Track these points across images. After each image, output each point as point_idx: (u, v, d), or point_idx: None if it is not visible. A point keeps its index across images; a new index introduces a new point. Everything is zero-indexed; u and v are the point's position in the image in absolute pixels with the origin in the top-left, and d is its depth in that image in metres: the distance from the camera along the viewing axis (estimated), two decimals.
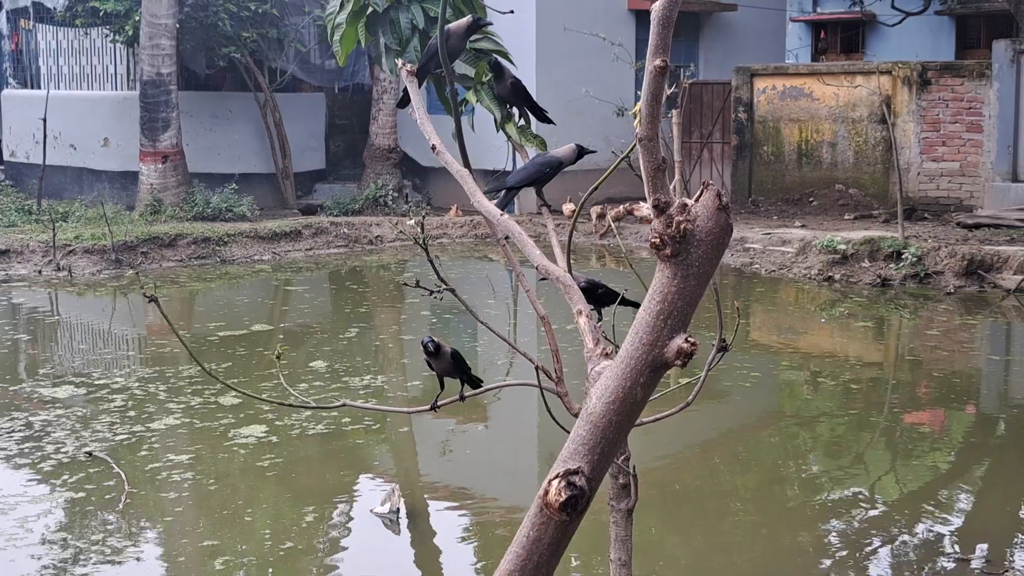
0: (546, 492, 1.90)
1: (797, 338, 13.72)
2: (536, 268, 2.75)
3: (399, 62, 3.62)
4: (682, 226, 1.85)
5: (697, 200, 1.92)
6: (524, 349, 3.57)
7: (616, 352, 2.09)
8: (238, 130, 22.87)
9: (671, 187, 2.06)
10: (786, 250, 17.59)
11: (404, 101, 4.18)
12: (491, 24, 4.58)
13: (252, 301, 15.90)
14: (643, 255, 18.79)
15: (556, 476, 1.89)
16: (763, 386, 11.46)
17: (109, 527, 7.50)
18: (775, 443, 9.79)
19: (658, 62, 1.92)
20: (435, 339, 3.70)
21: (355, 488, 8.46)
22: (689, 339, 1.93)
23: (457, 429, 9.93)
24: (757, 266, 17.57)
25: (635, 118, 2.05)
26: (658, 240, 1.90)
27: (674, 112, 7.57)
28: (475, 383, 3.84)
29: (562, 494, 1.86)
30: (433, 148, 3.26)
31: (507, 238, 3.51)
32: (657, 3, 1.91)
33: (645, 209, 20.18)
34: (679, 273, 1.90)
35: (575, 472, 1.87)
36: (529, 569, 1.90)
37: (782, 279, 16.91)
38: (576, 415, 3.10)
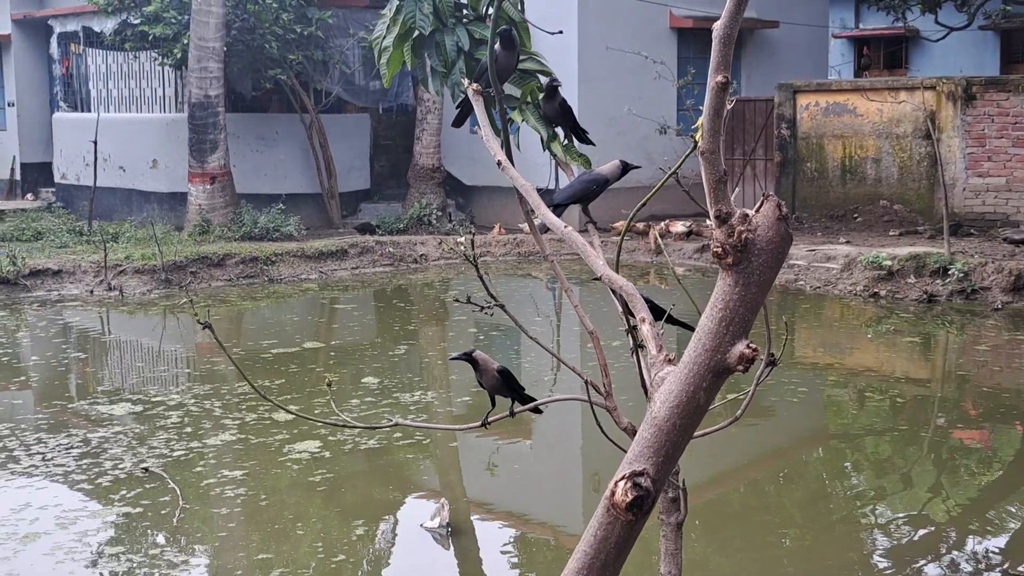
0: (613, 493, 1.97)
1: (843, 354, 13.68)
2: (600, 278, 2.82)
3: (465, 82, 3.71)
4: (743, 236, 1.92)
5: (758, 211, 1.98)
6: (571, 364, 3.63)
7: (679, 358, 2.16)
8: (284, 151, 23.13)
9: (731, 197, 2.13)
10: (831, 266, 17.54)
11: (460, 120, 4.26)
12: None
13: (302, 319, 16.06)
14: (684, 272, 18.78)
15: (622, 477, 1.96)
16: (809, 402, 11.44)
17: (164, 542, 7.62)
18: (821, 460, 9.77)
19: (719, 78, 1.99)
20: (474, 351, 3.72)
21: (404, 503, 8.54)
22: (751, 345, 1.99)
23: (504, 445, 9.99)
24: (802, 283, 17.53)
25: (697, 131, 2.12)
26: (720, 249, 1.97)
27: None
28: (526, 400, 3.84)
29: (628, 495, 1.93)
30: (499, 164, 3.35)
31: (554, 257, 3.57)
32: (718, 22, 1.98)
33: (680, 227, 20.22)
34: (740, 281, 1.96)
35: (640, 474, 1.94)
36: (597, 567, 1.97)
37: (827, 295, 16.86)
38: (626, 429, 3.16)
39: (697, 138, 2.09)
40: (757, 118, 22.58)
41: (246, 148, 22.77)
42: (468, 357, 3.62)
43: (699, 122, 2.07)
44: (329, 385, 3.59)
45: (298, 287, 18.39)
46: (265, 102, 23.58)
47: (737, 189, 22.43)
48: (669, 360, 2.32)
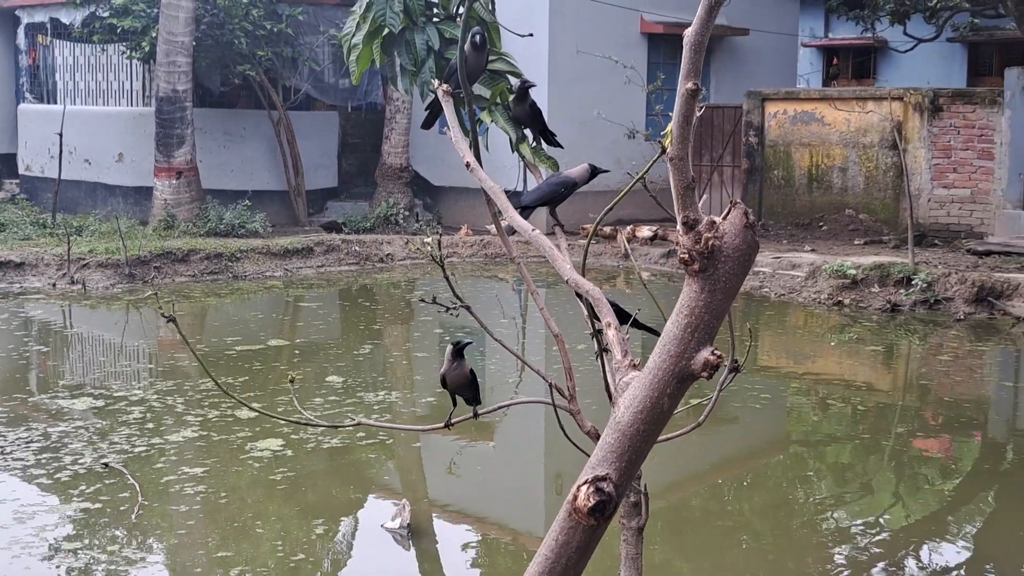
0: (575, 497, 1.97)
1: (806, 362, 13.77)
2: (567, 282, 2.82)
3: (435, 82, 3.70)
4: (710, 243, 1.93)
5: (725, 218, 1.99)
6: (536, 366, 3.62)
7: (643, 365, 2.16)
8: (251, 147, 23.02)
9: (698, 204, 2.13)
10: (796, 274, 17.64)
11: (429, 121, 4.24)
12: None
13: (266, 316, 15.99)
14: (650, 277, 18.84)
15: (585, 482, 1.96)
16: (772, 409, 11.50)
17: (122, 538, 7.56)
18: (783, 466, 9.83)
19: (690, 85, 2.00)
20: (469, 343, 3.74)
21: (365, 503, 8.52)
22: (715, 352, 2.00)
23: (466, 447, 9.99)
24: (767, 289, 17.63)
25: (665, 138, 2.13)
26: (687, 256, 1.97)
27: None
28: (476, 403, 3.85)
29: (590, 499, 1.93)
30: (468, 165, 3.34)
31: (520, 260, 3.57)
32: (689, 28, 1.99)
33: (647, 231, 20.28)
34: (706, 288, 1.97)
35: (603, 478, 1.94)
36: (558, 571, 1.97)
37: (791, 303, 16.96)
38: (589, 433, 3.16)
39: (666, 144, 2.09)
40: (726, 125, 22.69)
41: (213, 143, 22.64)
42: (462, 347, 3.64)
43: (668, 128, 2.07)
44: (292, 381, 3.57)
45: (263, 284, 18.31)
46: (233, 98, 23.45)
47: (704, 195, 22.52)
48: (634, 365, 2.33)
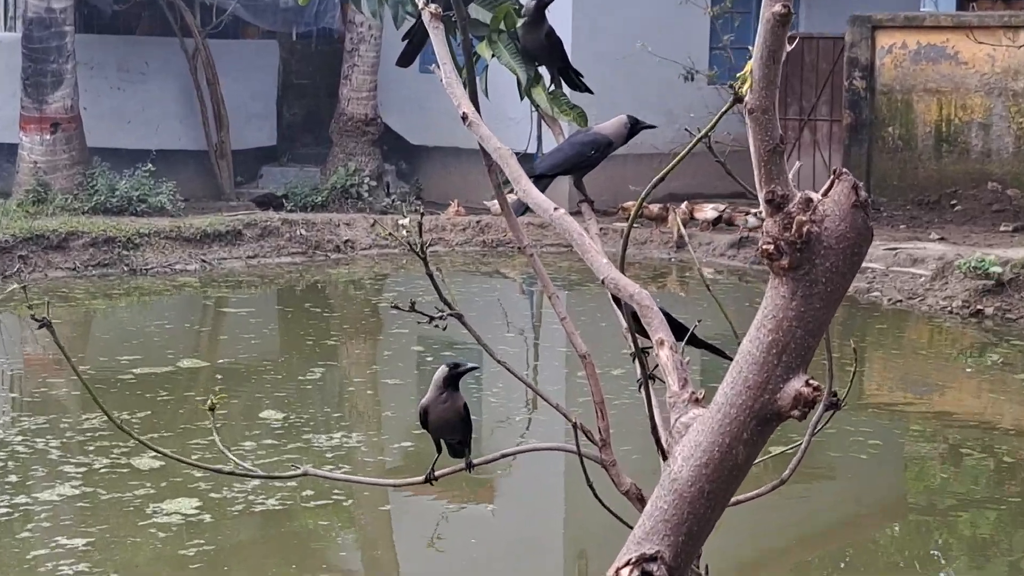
0: None
1: (932, 395, 13.76)
2: (602, 282, 2.81)
3: (419, 1, 3.70)
4: (805, 228, 1.93)
5: (826, 194, 1.99)
6: (554, 400, 3.63)
7: (710, 399, 2.16)
8: (157, 90, 23.02)
9: (790, 174, 2.14)
10: (918, 272, 17.64)
11: (408, 57, 4.24)
12: None
13: (176, 327, 15.99)
14: (712, 275, 18.85)
15: (627, 563, 1.95)
16: (884, 460, 11.50)
17: None
18: (898, 540, 9.82)
19: (778, 7, 2.00)
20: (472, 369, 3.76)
21: None
22: (811, 381, 2.00)
23: (455, 511, 9.99)
24: (877, 294, 17.63)
25: (742, 83, 2.12)
26: (772, 247, 1.97)
27: None
28: (467, 450, 3.85)
29: None
30: (464, 118, 3.34)
31: (533, 250, 3.57)
32: None
33: (710, 211, 20.29)
34: (800, 292, 1.97)
35: (652, 558, 1.94)
36: None
37: (911, 312, 16.96)
38: (628, 493, 3.16)
39: (742, 90, 2.09)
40: (820, 63, 22.68)
41: (103, 84, 22.66)
42: (459, 373, 3.67)
43: (747, 68, 2.07)
44: (212, 410, 3.56)
45: (171, 282, 18.31)
46: (131, 20, 23.47)
47: (790, 161, 22.55)
48: (696, 400, 2.33)
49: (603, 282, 2.76)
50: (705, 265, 19.42)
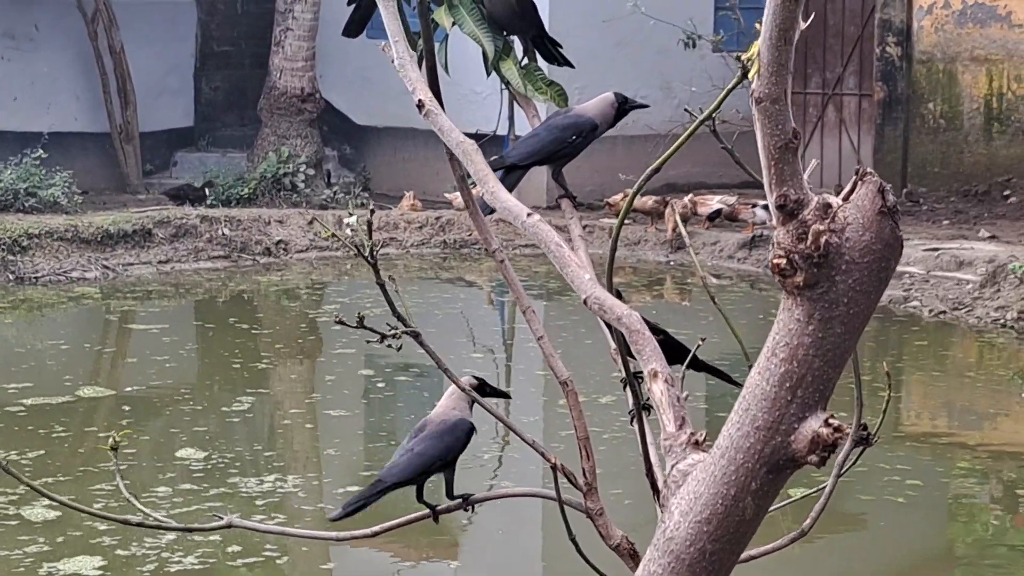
0: None
1: (982, 425, 13.80)
2: (584, 302, 2.84)
3: None
4: (823, 239, 1.95)
5: (847, 198, 2.02)
6: (529, 436, 3.65)
7: (713, 442, 2.18)
8: (47, 59, 22.95)
9: (806, 174, 2.17)
10: (964, 277, 17.69)
11: (355, 27, 4.26)
12: None
13: (74, 347, 15.93)
14: (719, 281, 18.87)
15: None
16: (925, 504, 11.53)
17: None
18: None
19: None
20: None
21: None
22: (831, 420, 2.02)
23: (410, 568, 10.00)
24: (916, 303, 17.68)
25: (749, 67, 2.15)
26: (785, 261, 2.00)
27: None
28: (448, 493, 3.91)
29: None
30: (420, 106, 3.36)
31: (504, 255, 3.60)
32: None
33: (716, 203, 20.28)
34: (817, 314, 1.99)
35: None
36: None
37: (957, 325, 17.00)
38: (619, 548, 3.18)
39: (750, 72, 2.12)
40: (847, 27, 22.74)
41: None
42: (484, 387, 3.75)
43: (752, 50, 2.10)
44: (114, 449, 3.57)
45: (67, 292, 18.26)
46: None
47: (812, 145, 22.57)
48: (697, 443, 2.35)
49: (585, 302, 2.78)
50: (710, 270, 19.45)
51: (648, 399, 2.92)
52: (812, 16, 2.38)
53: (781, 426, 2.07)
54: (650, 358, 2.55)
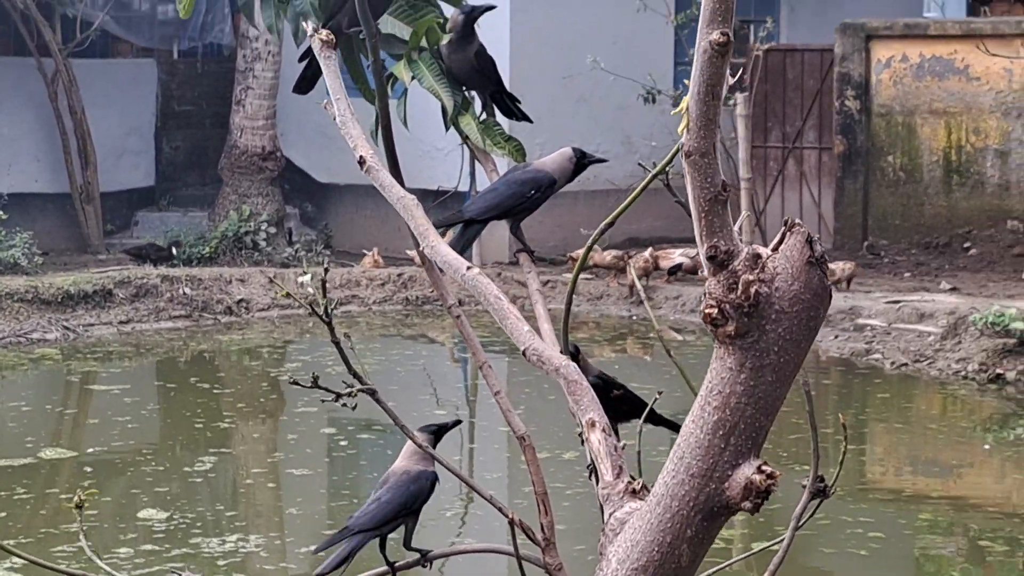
0: None
1: (946, 477, 13.83)
2: (523, 353, 2.87)
3: (307, 26, 3.76)
4: (753, 289, 1.99)
5: (776, 248, 2.05)
6: (488, 491, 3.67)
7: (649, 489, 2.21)
8: (8, 121, 22.95)
9: (736, 226, 2.21)
10: (925, 329, 17.76)
11: (306, 83, 4.29)
12: None
13: (35, 409, 15.89)
14: (682, 336, 18.92)
15: None
16: (888, 557, 11.54)
17: None
18: None
19: (716, 35, 2.06)
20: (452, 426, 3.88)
21: None
22: (763, 467, 2.06)
23: None
24: (878, 356, 17.73)
25: (681, 117, 2.20)
26: (716, 311, 2.04)
27: (739, 97, 7.77)
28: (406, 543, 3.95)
29: None
30: (361, 162, 3.40)
31: (460, 309, 3.64)
32: None
33: (677, 256, 20.34)
34: (748, 363, 2.03)
35: None
36: None
37: (919, 377, 17.04)
38: None
39: (679, 128, 2.16)
40: (807, 80, 22.86)
41: None
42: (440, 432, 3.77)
43: (683, 104, 2.14)
44: (79, 508, 3.59)
45: (27, 354, 18.20)
46: None
47: (773, 198, 22.65)
48: (634, 492, 2.38)
49: (524, 353, 2.81)
50: (672, 324, 19.49)
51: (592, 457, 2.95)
52: (761, 54, 2.42)
53: (715, 473, 2.11)
54: (588, 408, 2.58)
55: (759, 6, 24.80)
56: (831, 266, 18.97)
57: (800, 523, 3.25)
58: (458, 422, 3.95)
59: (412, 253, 17.04)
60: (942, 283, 19.94)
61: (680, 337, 18.89)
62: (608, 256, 20.65)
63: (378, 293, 21.27)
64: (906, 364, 17.45)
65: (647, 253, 20.66)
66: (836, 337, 18.41)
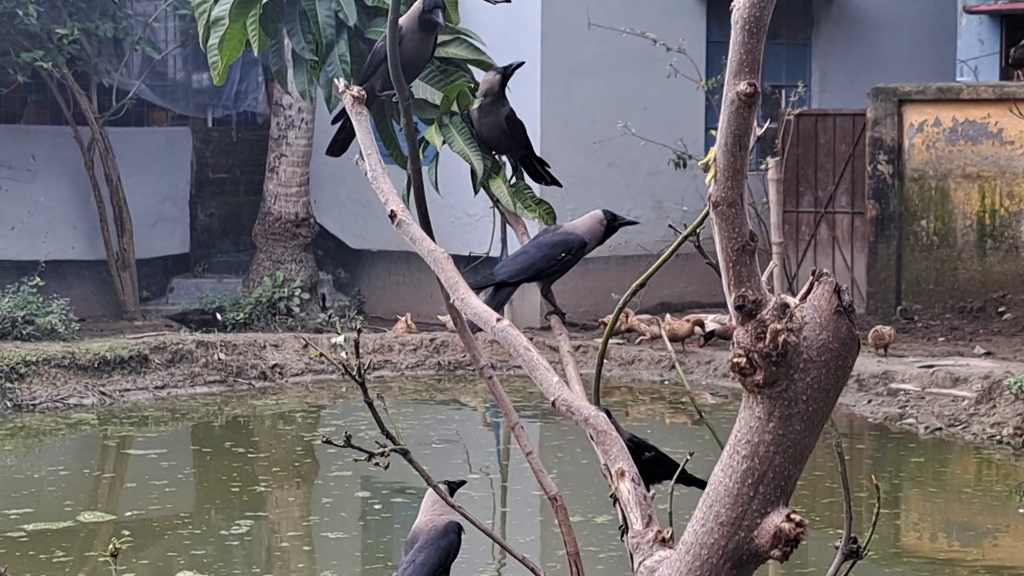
0: None
1: (981, 542, 13.77)
2: (553, 404, 2.89)
3: (339, 83, 3.79)
4: (781, 338, 2.01)
5: (804, 298, 2.07)
6: (521, 552, 3.68)
7: (679, 539, 2.23)
8: (45, 188, 23.06)
9: (763, 277, 2.23)
10: (960, 394, 17.70)
11: (339, 145, 4.33)
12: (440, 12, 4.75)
13: (73, 473, 15.94)
14: (715, 399, 18.88)
15: None
16: None
17: None
18: None
19: (743, 86, 2.09)
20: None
21: None
22: (792, 515, 2.07)
23: None
24: (912, 420, 17.67)
25: (707, 171, 2.22)
26: (744, 360, 2.05)
27: (771, 162, 7.79)
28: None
29: None
30: (392, 216, 3.43)
31: (493, 371, 3.66)
32: None
33: (711, 323, 20.31)
34: (777, 412, 2.05)
35: None
36: None
37: (954, 442, 16.99)
38: None
39: (708, 178, 2.19)
40: (839, 144, 22.85)
41: None
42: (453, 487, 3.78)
43: (709, 155, 2.17)
44: (114, 555, 3.60)
45: (64, 419, 18.26)
46: (15, 106, 23.55)
47: (806, 261, 22.62)
48: (663, 540, 2.39)
49: (553, 404, 2.83)
50: (705, 388, 19.46)
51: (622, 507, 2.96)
52: (789, 118, 2.45)
53: (744, 522, 2.12)
54: (617, 457, 2.60)
55: (790, 71, 24.86)
56: (880, 329, 19.05)
57: None
58: (463, 482, 3.97)
59: (444, 318, 17.11)
60: (976, 347, 19.87)
61: (713, 401, 18.87)
62: (641, 320, 20.65)
63: (411, 358, 21.29)
64: (940, 428, 17.39)
65: (676, 318, 20.66)
66: (870, 402, 18.37)
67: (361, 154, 3.63)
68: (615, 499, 3.42)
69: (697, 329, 20.35)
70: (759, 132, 2.20)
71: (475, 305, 3.18)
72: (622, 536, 3.33)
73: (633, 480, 2.56)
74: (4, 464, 16.44)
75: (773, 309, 2.10)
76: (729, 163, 2.15)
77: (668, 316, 20.92)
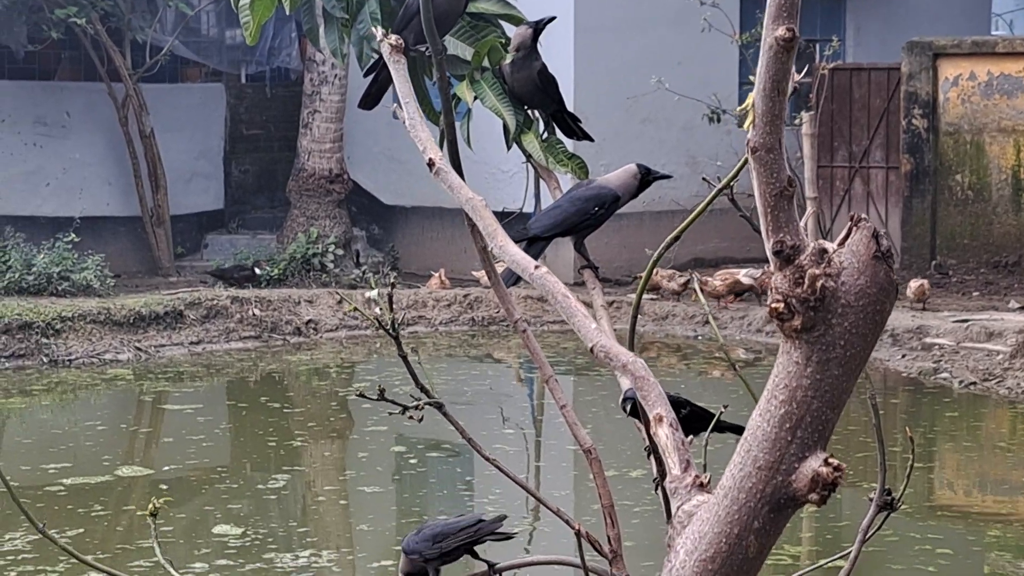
0: None
1: (1015, 495, 13.75)
2: (591, 350, 2.89)
3: (377, 31, 3.78)
4: (819, 283, 2.01)
5: (842, 244, 2.07)
6: (555, 504, 3.68)
7: (717, 483, 2.23)
8: (79, 145, 23.11)
9: (801, 222, 2.22)
10: (995, 348, 17.66)
11: (371, 98, 4.32)
12: None
13: (110, 428, 16.00)
14: (749, 355, 18.86)
15: None
16: (956, 574, 11.48)
17: None
18: None
19: (781, 31, 2.08)
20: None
21: None
22: (830, 460, 2.07)
23: None
24: (946, 375, 17.64)
25: (744, 119, 2.22)
26: (782, 305, 2.05)
27: (805, 116, 7.76)
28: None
29: None
30: (431, 165, 3.42)
31: (527, 325, 3.65)
32: None
33: (745, 278, 20.27)
34: (815, 356, 2.05)
35: None
36: None
37: (988, 397, 16.95)
38: None
39: (745, 124, 2.18)
40: (873, 99, 22.76)
41: (15, 140, 22.74)
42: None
43: (748, 101, 2.16)
44: (154, 515, 3.62)
45: (100, 374, 18.33)
46: (49, 63, 23.59)
47: (839, 215, 22.57)
48: (701, 485, 2.40)
49: (591, 350, 2.83)
50: (739, 344, 19.44)
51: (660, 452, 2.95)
52: (826, 71, 2.44)
53: (782, 466, 2.12)
54: (655, 403, 2.60)
55: (825, 25, 24.76)
56: (922, 283, 19.05)
57: (868, 535, 3.24)
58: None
59: (478, 274, 17.10)
60: (1011, 302, 19.82)
61: (746, 356, 18.85)
62: (675, 277, 20.59)
63: (444, 314, 21.30)
64: (975, 383, 17.35)
65: (715, 275, 20.62)
66: (904, 356, 18.33)
67: (399, 102, 3.62)
68: (649, 452, 3.42)
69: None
70: (795, 83, 2.19)
71: (513, 252, 3.18)
72: (656, 488, 3.34)
73: (671, 425, 2.56)
74: (41, 419, 16.51)
75: (811, 254, 2.10)
76: (767, 108, 2.15)
77: (696, 273, 20.87)
